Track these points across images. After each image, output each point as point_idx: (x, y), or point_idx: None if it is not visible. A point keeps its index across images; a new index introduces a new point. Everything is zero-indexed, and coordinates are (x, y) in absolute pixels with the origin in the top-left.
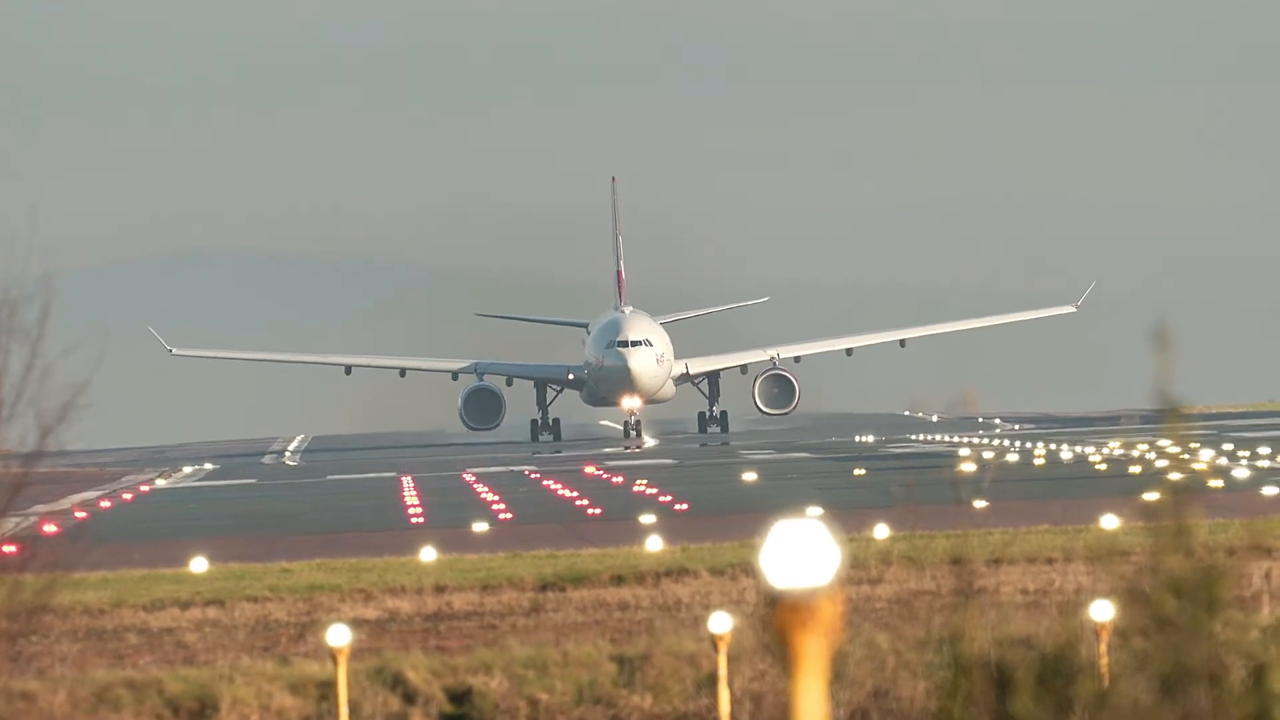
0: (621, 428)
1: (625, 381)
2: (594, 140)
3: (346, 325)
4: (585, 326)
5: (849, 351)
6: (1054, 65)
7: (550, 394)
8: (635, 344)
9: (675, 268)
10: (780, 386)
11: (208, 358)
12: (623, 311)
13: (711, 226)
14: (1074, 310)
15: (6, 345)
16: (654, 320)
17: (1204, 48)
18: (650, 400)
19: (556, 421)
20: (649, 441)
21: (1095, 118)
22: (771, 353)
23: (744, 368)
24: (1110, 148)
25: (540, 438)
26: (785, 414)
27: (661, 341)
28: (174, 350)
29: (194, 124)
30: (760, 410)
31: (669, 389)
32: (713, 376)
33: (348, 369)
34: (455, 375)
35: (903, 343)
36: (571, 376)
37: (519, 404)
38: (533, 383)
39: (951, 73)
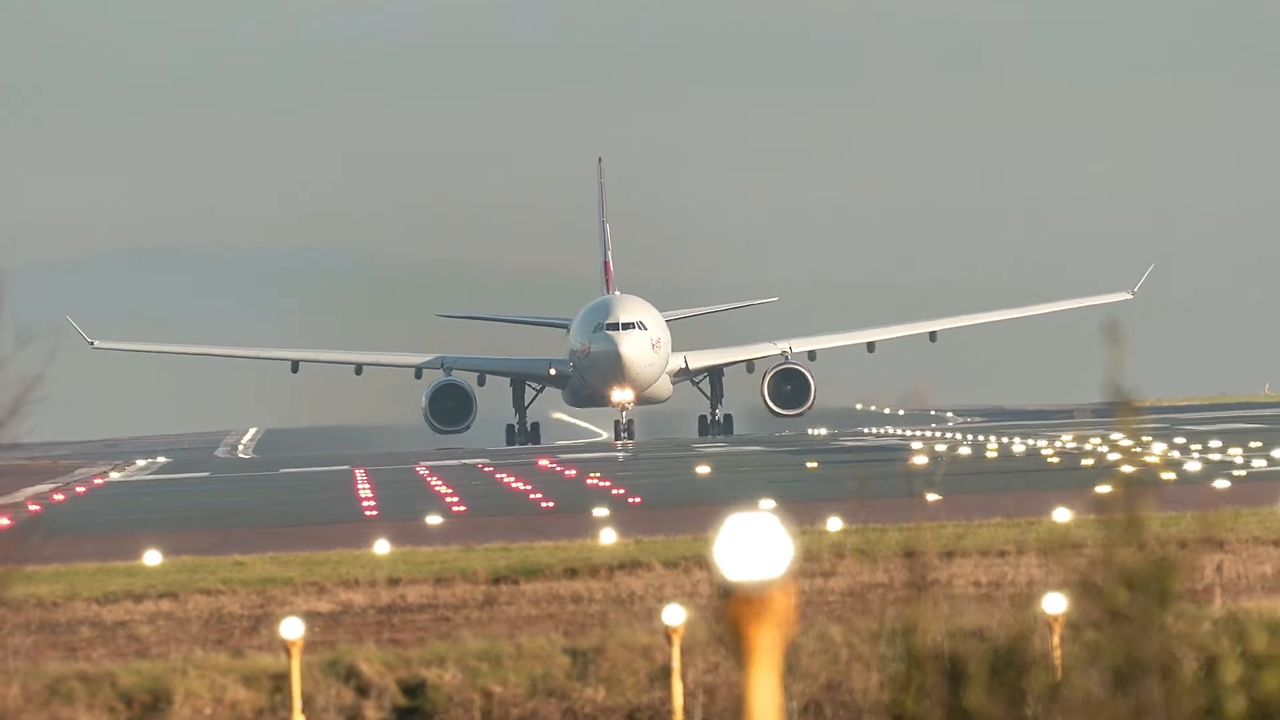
0: (612, 429)
1: (615, 370)
2: (588, 131)
3: (305, 319)
4: (566, 326)
5: (870, 347)
6: (1067, 59)
7: (529, 394)
8: (627, 326)
9: (674, 262)
10: (793, 383)
11: (131, 351)
12: (613, 295)
13: (714, 219)
14: (1130, 297)
15: None
16: (649, 305)
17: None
18: (644, 399)
19: (536, 426)
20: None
21: (1107, 112)
22: (783, 346)
23: (750, 364)
24: (1117, 141)
25: (516, 444)
26: (799, 414)
27: (657, 325)
28: (95, 343)
29: (142, 118)
30: (770, 409)
31: (665, 385)
32: (715, 373)
33: (294, 366)
34: (419, 372)
35: (933, 336)
36: (553, 371)
37: (491, 407)
38: (508, 380)
39: (973, 66)
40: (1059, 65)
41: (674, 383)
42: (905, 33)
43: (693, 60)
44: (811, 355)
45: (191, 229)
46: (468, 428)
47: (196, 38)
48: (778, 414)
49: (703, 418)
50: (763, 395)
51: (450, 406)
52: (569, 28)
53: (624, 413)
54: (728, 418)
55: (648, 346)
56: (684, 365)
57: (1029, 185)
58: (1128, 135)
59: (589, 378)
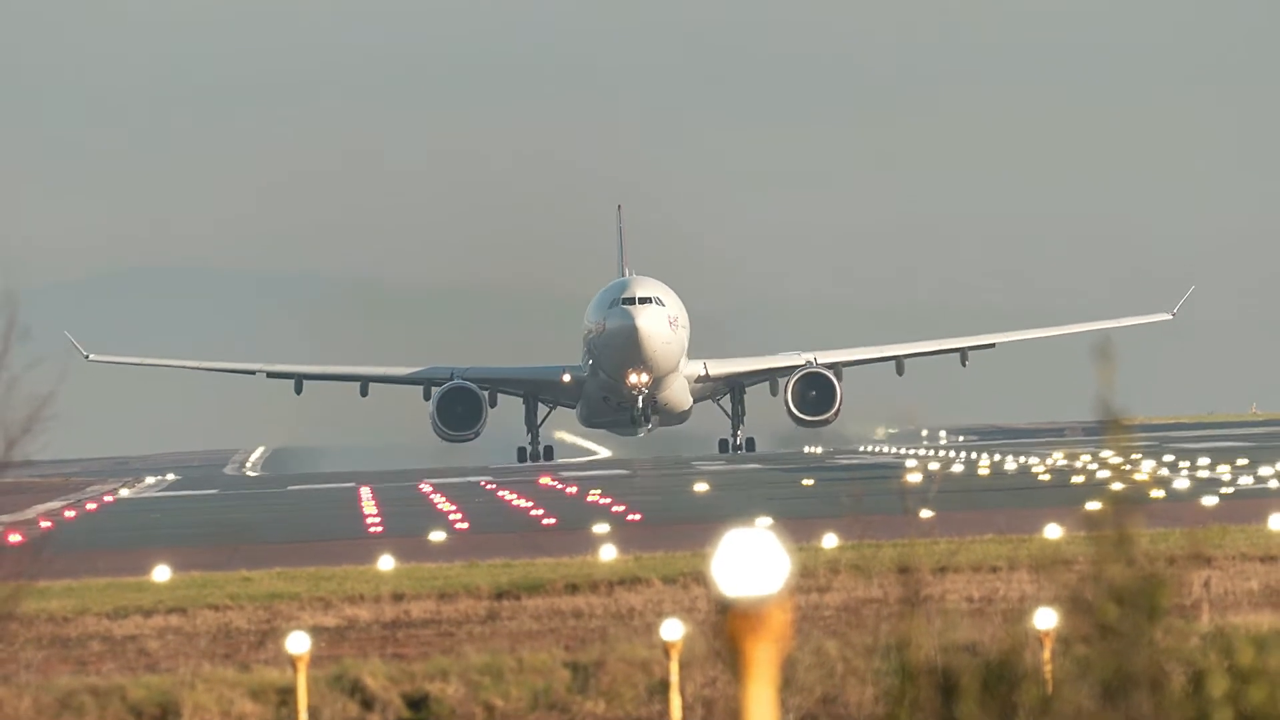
0: (628, 420)
1: (632, 346)
2: (602, 154)
3: (312, 338)
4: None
5: (899, 369)
6: (1068, 76)
7: (542, 412)
8: (644, 301)
9: (692, 290)
10: (818, 388)
11: (127, 364)
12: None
13: (726, 243)
14: (1171, 318)
15: None
16: (667, 286)
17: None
18: (664, 411)
19: (550, 449)
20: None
21: (1113, 131)
22: (807, 356)
23: (773, 382)
24: (1127, 158)
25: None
26: (824, 420)
27: (674, 304)
28: (91, 356)
29: (137, 139)
30: (794, 416)
31: (684, 392)
32: (737, 390)
33: (298, 386)
34: (427, 391)
35: (964, 359)
36: (568, 378)
37: (501, 425)
38: (520, 398)
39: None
40: (1069, 82)
41: (695, 395)
42: (924, 51)
43: (705, 86)
44: (837, 373)
45: (194, 249)
46: (477, 434)
47: (197, 58)
48: (802, 420)
49: (723, 441)
50: (786, 401)
51: (459, 412)
52: (575, 51)
53: (640, 395)
54: (750, 441)
55: (665, 323)
56: (704, 372)
57: (1023, 206)
58: (1122, 158)
59: (604, 361)
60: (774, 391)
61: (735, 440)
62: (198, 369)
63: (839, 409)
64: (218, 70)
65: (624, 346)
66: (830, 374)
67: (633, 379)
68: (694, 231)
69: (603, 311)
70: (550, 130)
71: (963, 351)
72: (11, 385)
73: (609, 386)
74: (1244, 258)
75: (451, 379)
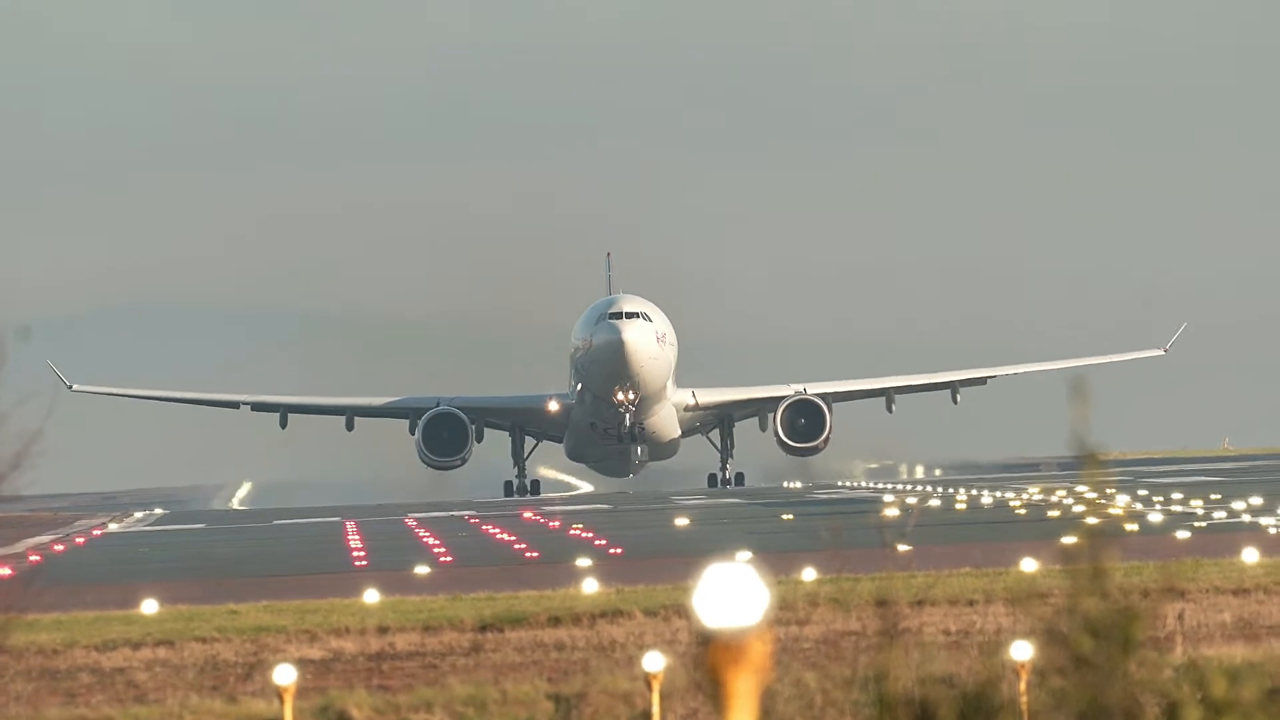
0: (616, 433)
1: (618, 361)
2: (592, 192)
3: (299, 374)
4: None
5: (890, 405)
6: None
7: (529, 445)
8: (631, 316)
9: (687, 327)
10: (807, 415)
11: (109, 394)
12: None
13: (716, 281)
14: (1163, 353)
15: None
16: (654, 305)
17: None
18: (652, 443)
19: (536, 484)
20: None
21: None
22: (796, 388)
23: (762, 417)
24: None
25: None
26: (814, 447)
27: (662, 321)
28: (74, 387)
29: (122, 180)
30: (784, 444)
31: (671, 419)
32: (726, 422)
33: (283, 421)
34: (412, 425)
35: (955, 396)
36: (555, 406)
37: (486, 461)
38: (506, 431)
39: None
40: (1069, 122)
41: (683, 425)
42: (923, 88)
43: (691, 125)
44: (827, 402)
45: (179, 286)
46: (464, 460)
47: (199, 95)
48: (791, 447)
49: (712, 476)
50: (775, 429)
51: (445, 438)
52: (568, 99)
53: (627, 411)
54: (739, 476)
55: (652, 339)
56: (693, 401)
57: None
58: (1121, 198)
59: (591, 379)
60: (763, 427)
61: (724, 474)
62: (181, 400)
63: (829, 436)
64: (221, 107)
65: (611, 361)
66: (820, 401)
67: (619, 396)
68: (685, 268)
69: (589, 328)
70: (542, 169)
71: (953, 386)
72: (0, 422)
73: (596, 410)
74: (1216, 296)
75: (437, 406)
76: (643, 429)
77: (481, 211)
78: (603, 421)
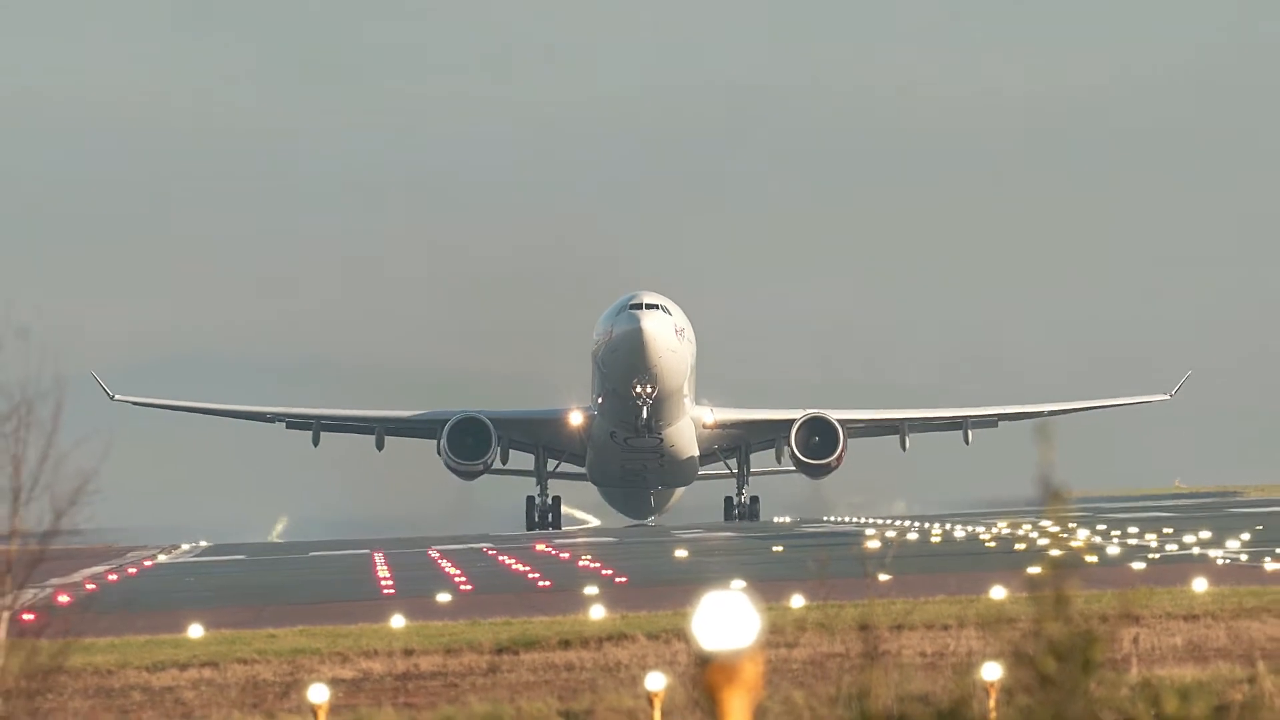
0: (634, 427)
1: (638, 351)
2: (597, 241)
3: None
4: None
5: (904, 444)
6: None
7: (550, 464)
8: (651, 307)
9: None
10: (821, 433)
11: (151, 405)
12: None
13: (722, 327)
14: (1168, 399)
15: (25, 437)
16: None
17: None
18: (668, 467)
19: (557, 500)
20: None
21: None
22: (812, 413)
23: (778, 448)
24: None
25: (536, 521)
26: (828, 464)
27: (681, 318)
28: (116, 396)
29: (196, 230)
30: (799, 460)
31: (690, 436)
32: (743, 448)
33: (315, 439)
34: (438, 437)
35: (967, 437)
36: (579, 419)
37: (505, 495)
38: (530, 451)
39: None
40: (1067, 169)
41: (700, 444)
42: (922, 140)
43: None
44: (840, 424)
45: (217, 338)
46: (487, 465)
47: (225, 143)
48: (806, 464)
49: (728, 499)
50: (790, 447)
51: (470, 443)
52: (565, 149)
53: (644, 405)
54: (754, 500)
55: (671, 330)
56: (711, 419)
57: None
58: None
59: (611, 371)
60: (779, 458)
61: (740, 498)
62: (216, 411)
63: (842, 454)
64: (239, 167)
65: (630, 350)
66: (833, 419)
67: (638, 389)
68: (693, 315)
69: (610, 320)
70: (544, 218)
71: (965, 422)
72: (59, 462)
73: (615, 412)
74: (1171, 342)
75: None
76: (661, 439)
77: (543, 282)
78: (622, 429)
